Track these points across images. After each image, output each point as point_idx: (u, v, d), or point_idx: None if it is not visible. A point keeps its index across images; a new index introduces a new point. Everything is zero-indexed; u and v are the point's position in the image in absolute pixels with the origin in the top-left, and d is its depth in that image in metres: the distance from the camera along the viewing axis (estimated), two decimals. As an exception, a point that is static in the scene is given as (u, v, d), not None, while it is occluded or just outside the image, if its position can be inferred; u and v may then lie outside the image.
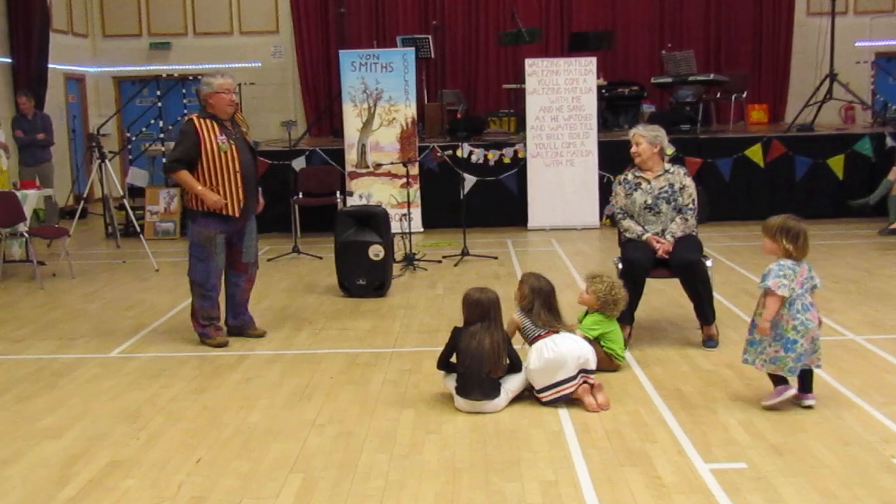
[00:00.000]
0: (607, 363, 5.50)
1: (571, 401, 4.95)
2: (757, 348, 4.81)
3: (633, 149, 6.21)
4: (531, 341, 5.14)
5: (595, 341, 5.46)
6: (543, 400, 4.93)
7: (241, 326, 6.63)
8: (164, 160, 6.29)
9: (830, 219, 11.52)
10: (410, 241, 9.41)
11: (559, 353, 4.93)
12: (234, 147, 6.24)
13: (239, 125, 6.44)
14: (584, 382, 4.93)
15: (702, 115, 13.21)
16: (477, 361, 4.84)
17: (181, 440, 4.61)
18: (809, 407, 4.78)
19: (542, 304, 5.17)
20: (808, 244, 4.77)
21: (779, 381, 4.83)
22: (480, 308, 4.99)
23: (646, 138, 6.15)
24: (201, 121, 6.23)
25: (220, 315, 6.54)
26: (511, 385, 4.97)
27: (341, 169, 11.81)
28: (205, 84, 6.28)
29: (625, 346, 5.69)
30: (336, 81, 13.93)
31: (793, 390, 4.81)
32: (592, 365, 5.02)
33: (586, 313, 5.63)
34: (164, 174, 6.36)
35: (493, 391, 4.87)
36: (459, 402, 4.91)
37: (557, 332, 5.10)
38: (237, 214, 6.28)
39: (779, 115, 15.67)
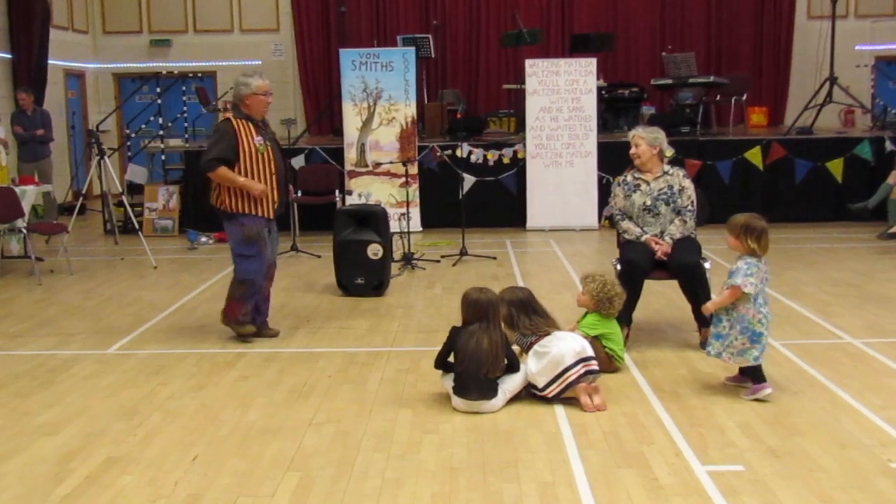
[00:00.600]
0: (606, 364, 5.50)
1: (569, 401, 4.95)
2: (723, 342, 5.04)
3: (633, 150, 6.21)
4: (526, 349, 5.16)
5: (595, 341, 5.46)
6: (550, 395, 4.94)
7: (259, 326, 6.58)
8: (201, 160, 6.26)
9: (829, 222, 11.54)
10: (409, 240, 9.40)
11: (554, 351, 4.97)
12: (269, 148, 6.22)
13: (268, 126, 6.42)
14: (587, 372, 4.95)
15: (702, 117, 13.22)
16: (475, 362, 4.84)
17: (178, 438, 4.61)
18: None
19: (523, 314, 5.22)
20: (769, 242, 5.06)
21: (748, 373, 5.07)
22: (479, 308, 4.99)
23: (645, 140, 6.16)
24: (238, 121, 6.19)
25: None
26: (509, 385, 4.97)
27: (340, 168, 11.81)
28: (242, 84, 6.21)
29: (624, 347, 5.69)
30: (336, 80, 13.90)
31: (769, 390, 4.99)
32: (590, 352, 5.06)
33: (586, 314, 5.63)
34: (201, 173, 6.29)
35: (490, 391, 4.87)
36: (457, 402, 4.90)
37: (548, 333, 5.15)
38: (271, 216, 6.28)
39: (779, 118, 15.66)
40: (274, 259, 6.61)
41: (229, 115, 6.32)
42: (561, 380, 4.93)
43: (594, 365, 5.02)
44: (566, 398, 4.97)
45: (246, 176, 6.14)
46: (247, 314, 6.41)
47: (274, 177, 6.23)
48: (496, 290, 5.25)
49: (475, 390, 4.85)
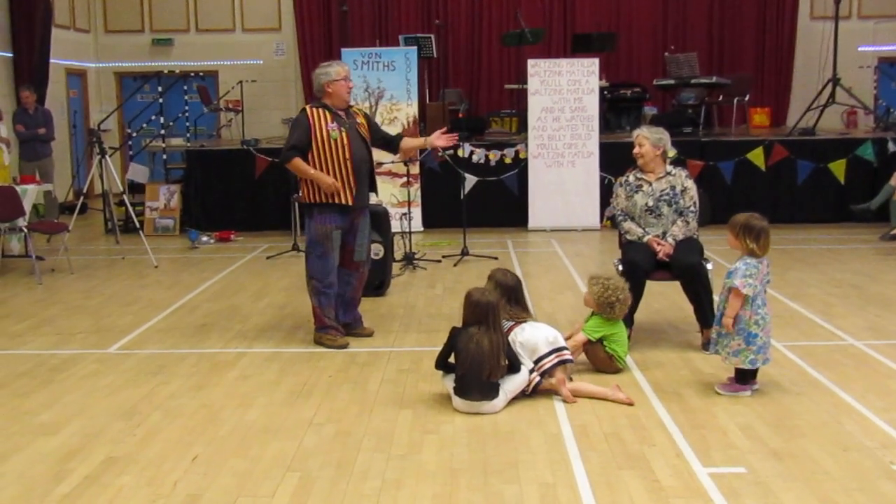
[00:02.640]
0: (608, 364, 5.49)
1: (570, 403, 4.94)
2: (723, 341, 5.07)
3: (636, 149, 6.20)
4: (508, 331, 5.18)
5: (598, 343, 5.45)
6: (528, 391, 5.03)
7: (351, 324, 6.51)
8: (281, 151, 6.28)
9: (832, 223, 11.52)
10: (410, 240, 9.39)
11: (528, 339, 5.12)
12: (344, 135, 6.18)
13: (354, 116, 6.38)
14: (560, 361, 5.06)
15: (704, 117, 13.19)
16: (476, 364, 4.82)
17: (178, 437, 4.59)
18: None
19: (508, 298, 5.32)
20: (770, 242, 5.06)
21: (742, 375, 5.07)
22: (478, 310, 4.97)
23: (649, 140, 6.14)
24: (313, 110, 6.21)
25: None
26: (510, 386, 4.95)
27: (342, 167, 11.77)
28: (322, 74, 6.23)
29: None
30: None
31: (747, 393, 5.04)
32: (562, 342, 5.18)
33: (592, 314, 5.61)
34: (279, 164, 6.28)
35: (491, 392, 4.86)
36: (458, 402, 4.89)
37: (525, 321, 5.27)
38: (350, 202, 6.21)
39: (781, 119, 15.64)
40: (367, 257, 6.54)
41: (307, 105, 6.33)
42: (536, 368, 5.02)
43: (567, 355, 5.12)
44: (546, 390, 5.04)
45: (319, 163, 6.13)
46: (332, 318, 6.33)
47: (349, 162, 6.17)
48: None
49: (476, 391, 4.84)
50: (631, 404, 4.95)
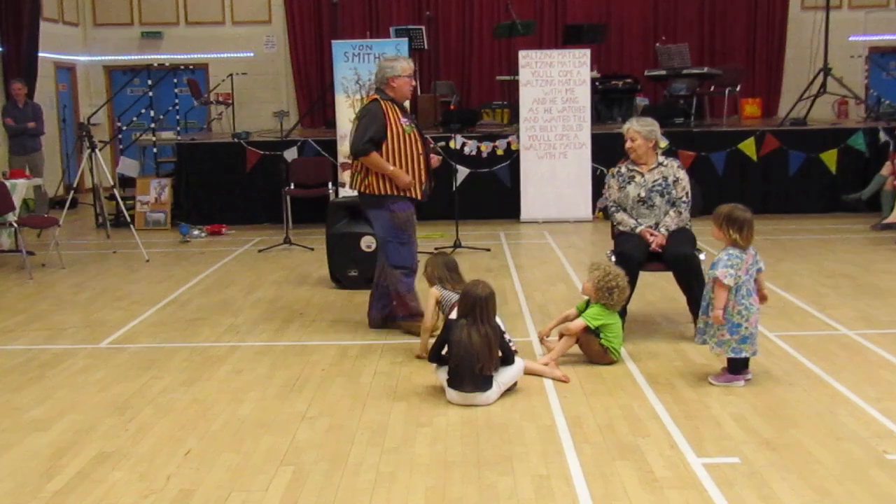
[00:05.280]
0: (602, 357, 5.48)
1: (564, 394, 4.94)
2: (710, 331, 5.10)
3: (629, 144, 6.20)
4: (450, 308, 5.22)
5: (595, 334, 5.45)
6: None
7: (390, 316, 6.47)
8: (352, 144, 6.18)
9: (824, 213, 11.53)
10: (403, 232, 9.35)
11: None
12: (415, 130, 6.18)
13: (408, 110, 6.37)
14: None
15: (695, 108, 13.19)
16: (468, 356, 4.81)
17: (170, 432, 4.57)
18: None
19: (446, 270, 5.73)
20: (753, 233, 5.08)
21: (735, 365, 5.07)
22: (466, 302, 4.98)
23: (641, 134, 6.14)
24: (385, 103, 6.15)
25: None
26: (503, 378, 4.95)
27: (333, 160, 11.76)
28: (387, 67, 6.17)
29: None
30: (329, 72, 13.87)
31: (740, 383, 5.05)
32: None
33: (587, 304, 5.60)
34: (354, 156, 6.21)
35: (485, 384, 4.85)
36: (451, 394, 4.88)
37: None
38: (420, 197, 6.22)
39: (772, 110, 15.65)
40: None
41: (375, 96, 6.25)
42: None
43: None
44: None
45: (394, 157, 6.09)
46: (415, 299, 6.33)
47: (421, 157, 6.17)
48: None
49: (469, 383, 4.83)
50: (566, 381, 5.13)
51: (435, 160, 6.52)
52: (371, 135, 6.05)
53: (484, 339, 4.84)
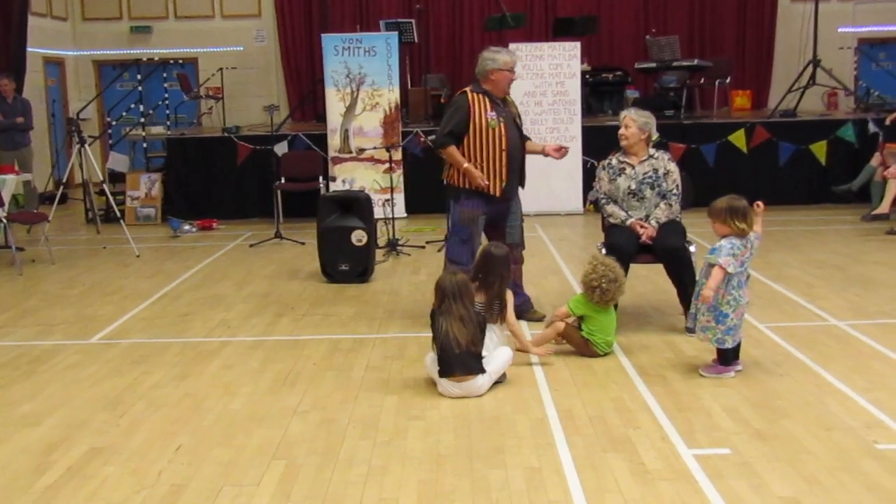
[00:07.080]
0: (584, 348, 5.48)
1: (556, 388, 4.95)
2: (697, 316, 5.11)
3: (622, 130, 6.18)
4: None
5: (575, 325, 5.47)
6: None
7: (522, 307, 6.24)
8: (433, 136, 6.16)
9: (814, 205, 11.57)
10: (394, 226, 9.36)
11: None
12: (503, 125, 6.10)
13: (509, 105, 6.29)
14: None
15: (685, 100, 13.20)
16: (447, 338, 4.85)
17: (162, 427, 4.57)
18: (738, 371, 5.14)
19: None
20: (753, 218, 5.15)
21: (725, 356, 5.09)
22: (438, 291, 5.02)
23: (636, 122, 6.13)
24: (474, 95, 6.11)
25: None
26: (494, 367, 4.96)
27: (324, 154, 11.73)
28: (488, 59, 6.11)
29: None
30: (319, 66, 13.83)
31: (731, 374, 5.07)
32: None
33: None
34: (434, 148, 6.18)
35: (475, 365, 4.85)
36: (443, 384, 4.88)
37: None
38: (498, 194, 6.15)
39: (762, 101, 15.66)
40: (520, 240, 6.40)
41: (467, 88, 6.21)
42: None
43: None
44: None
45: (474, 151, 6.05)
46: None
47: (504, 153, 6.09)
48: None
49: (458, 366, 4.82)
50: (544, 355, 5.41)
51: (553, 151, 6.36)
52: (451, 127, 6.04)
53: (459, 321, 4.86)
